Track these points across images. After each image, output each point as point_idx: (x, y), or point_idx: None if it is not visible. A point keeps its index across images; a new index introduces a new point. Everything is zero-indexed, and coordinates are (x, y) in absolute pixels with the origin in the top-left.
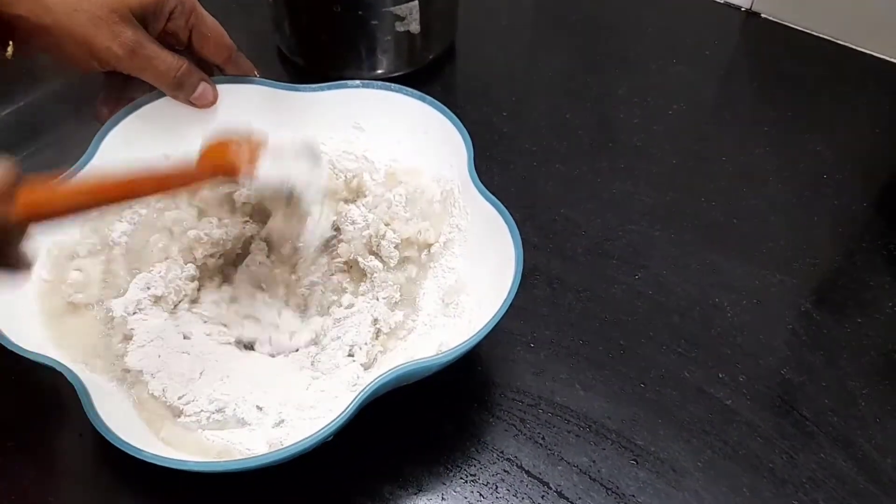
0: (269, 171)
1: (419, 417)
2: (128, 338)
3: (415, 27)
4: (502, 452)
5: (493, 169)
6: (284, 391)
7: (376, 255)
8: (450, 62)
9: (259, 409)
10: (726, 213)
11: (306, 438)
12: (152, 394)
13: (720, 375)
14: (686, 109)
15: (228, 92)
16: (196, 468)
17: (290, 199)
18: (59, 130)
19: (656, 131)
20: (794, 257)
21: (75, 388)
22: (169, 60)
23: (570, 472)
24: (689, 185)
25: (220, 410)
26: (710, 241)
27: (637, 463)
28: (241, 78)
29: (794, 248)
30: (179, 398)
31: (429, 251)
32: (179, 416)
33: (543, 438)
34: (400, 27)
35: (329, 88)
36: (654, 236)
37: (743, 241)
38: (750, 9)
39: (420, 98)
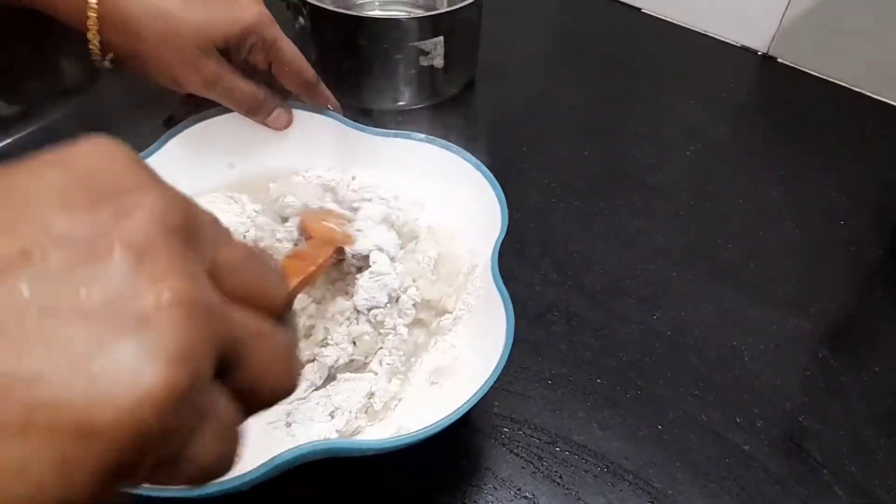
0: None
1: (433, 452)
2: None
3: (438, 62)
4: (519, 490)
5: (511, 203)
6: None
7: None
8: (470, 96)
9: None
10: (742, 254)
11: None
12: None
13: (738, 420)
14: (702, 150)
15: (302, 119)
16: None
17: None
18: None
19: (672, 171)
20: (809, 301)
21: None
22: (247, 90)
23: None
24: (704, 226)
25: None
26: (727, 283)
27: None
28: (316, 107)
29: (810, 291)
30: None
31: (439, 322)
32: None
33: (561, 477)
34: (424, 61)
35: (394, 136)
36: (671, 276)
37: (759, 284)
38: (766, 53)
39: (476, 166)
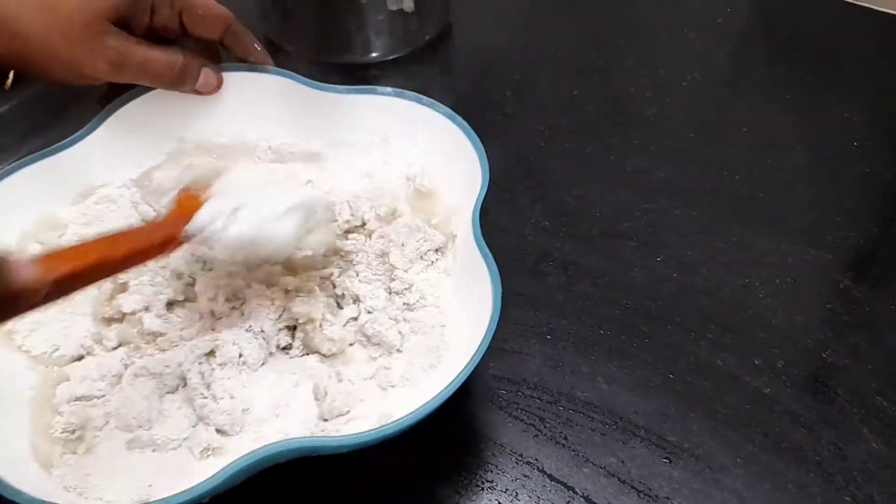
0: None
1: (426, 421)
2: None
3: (408, 5)
4: (521, 455)
5: (497, 151)
6: None
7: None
8: (446, 41)
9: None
10: (750, 185)
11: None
12: None
13: (756, 361)
14: (700, 78)
15: (242, 80)
16: None
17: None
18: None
19: (669, 103)
20: (826, 230)
21: None
22: (163, 60)
23: (596, 474)
24: (708, 158)
25: None
26: (735, 217)
27: (670, 461)
28: (258, 67)
29: (826, 220)
30: None
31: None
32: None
33: (566, 438)
34: (392, 5)
35: (356, 92)
36: (674, 214)
37: (770, 215)
38: None
39: (450, 117)
